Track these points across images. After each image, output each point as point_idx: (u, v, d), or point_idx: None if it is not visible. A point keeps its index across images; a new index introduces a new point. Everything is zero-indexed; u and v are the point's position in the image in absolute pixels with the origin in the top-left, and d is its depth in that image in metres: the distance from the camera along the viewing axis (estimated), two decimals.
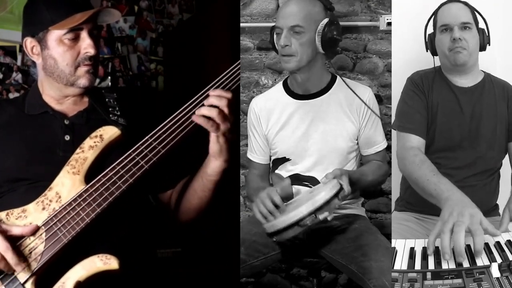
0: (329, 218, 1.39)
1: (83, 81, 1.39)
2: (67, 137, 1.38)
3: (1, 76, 2.53)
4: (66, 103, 1.43)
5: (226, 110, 1.30)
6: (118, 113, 1.43)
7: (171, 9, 2.83)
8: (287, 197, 1.58)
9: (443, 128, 1.69)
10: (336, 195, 1.40)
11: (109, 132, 1.34)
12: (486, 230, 1.27)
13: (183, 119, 1.32)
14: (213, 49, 2.26)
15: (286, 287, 2.35)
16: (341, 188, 1.42)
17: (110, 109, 1.44)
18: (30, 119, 1.41)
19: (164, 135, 1.31)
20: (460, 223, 1.25)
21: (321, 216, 1.37)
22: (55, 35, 1.36)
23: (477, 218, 1.27)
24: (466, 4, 1.67)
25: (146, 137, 1.30)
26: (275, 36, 1.67)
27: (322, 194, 1.39)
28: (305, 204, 1.38)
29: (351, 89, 1.66)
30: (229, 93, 1.32)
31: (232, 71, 1.36)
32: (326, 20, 1.60)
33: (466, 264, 1.20)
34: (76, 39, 1.36)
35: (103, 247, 1.23)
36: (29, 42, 1.40)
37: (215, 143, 1.33)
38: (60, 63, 1.37)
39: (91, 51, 1.37)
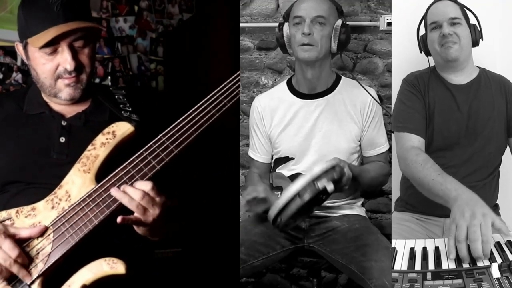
0: (329, 189, 1.35)
1: (64, 94, 1.35)
2: (62, 139, 1.35)
3: (1, 76, 2.53)
4: (65, 104, 1.40)
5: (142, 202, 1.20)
6: (130, 109, 1.40)
7: (171, 9, 2.83)
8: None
9: (440, 127, 1.68)
10: (333, 168, 1.39)
11: (122, 129, 1.30)
12: (500, 230, 1.26)
13: (197, 117, 1.29)
14: (213, 49, 2.26)
15: (286, 287, 2.35)
16: (337, 164, 1.41)
17: (121, 105, 1.41)
18: (28, 118, 1.38)
19: (177, 134, 1.26)
20: (475, 228, 1.22)
21: (319, 184, 1.35)
22: (35, 47, 1.30)
23: (489, 217, 1.25)
24: (454, 1, 1.68)
25: (159, 136, 1.26)
26: (290, 27, 1.66)
27: (319, 166, 1.39)
28: (302, 177, 1.37)
29: (361, 85, 1.67)
30: (147, 184, 1.21)
31: (232, 82, 1.33)
32: (340, 21, 1.64)
33: (466, 265, 1.20)
34: (54, 52, 1.31)
35: (110, 249, 1.21)
36: (20, 47, 1.37)
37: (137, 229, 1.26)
38: (40, 75, 1.34)
39: (68, 67, 1.31)
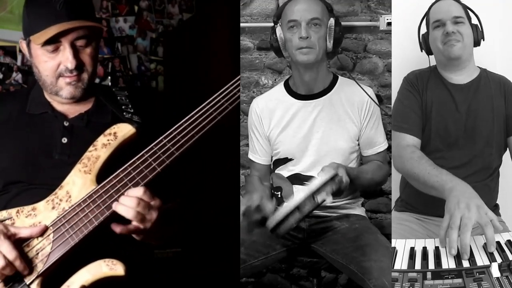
0: (327, 201, 1.37)
1: (65, 93, 1.35)
2: (65, 140, 1.35)
3: (1, 76, 2.53)
4: (68, 103, 1.40)
5: (139, 209, 1.20)
6: (132, 110, 1.40)
7: (171, 9, 2.83)
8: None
9: (438, 127, 1.69)
10: (332, 179, 1.41)
11: (124, 130, 1.30)
12: (492, 221, 1.27)
13: (198, 120, 1.28)
14: (213, 49, 2.26)
15: (286, 287, 2.35)
16: (336, 174, 1.42)
17: (123, 106, 1.41)
18: (30, 118, 1.38)
19: (178, 136, 1.26)
20: (467, 220, 1.25)
21: (319, 198, 1.37)
22: (37, 44, 1.31)
23: (484, 209, 1.28)
24: (457, 0, 1.69)
25: (160, 138, 1.26)
26: (284, 31, 1.65)
27: (318, 178, 1.41)
28: (301, 191, 1.39)
29: (359, 84, 1.67)
30: (139, 190, 1.21)
31: (234, 85, 1.33)
32: (333, 20, 1.64)
33: (466, 264, 1.21)
34: (56, 50, 1.31)
35: (109, 250, 1.20)
36: (24, 44, 1.37)
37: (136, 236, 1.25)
38: (42, 72, 1.34)
39: (69, 65, 1.31)
